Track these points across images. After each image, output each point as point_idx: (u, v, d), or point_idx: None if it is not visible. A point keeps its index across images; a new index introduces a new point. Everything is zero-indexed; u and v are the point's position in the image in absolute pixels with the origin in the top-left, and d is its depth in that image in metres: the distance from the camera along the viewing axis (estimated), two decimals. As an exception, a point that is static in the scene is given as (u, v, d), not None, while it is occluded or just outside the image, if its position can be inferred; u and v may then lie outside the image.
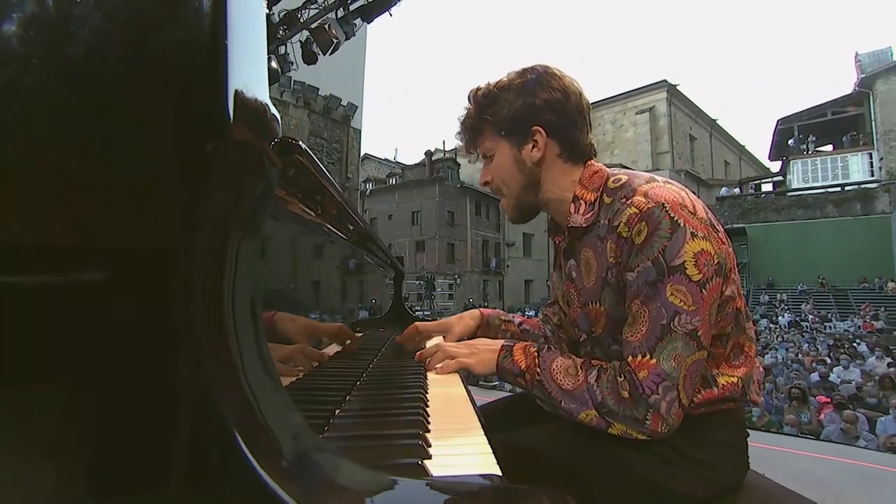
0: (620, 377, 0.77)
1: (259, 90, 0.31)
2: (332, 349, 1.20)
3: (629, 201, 0.80)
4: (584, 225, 0.88)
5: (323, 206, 0.80)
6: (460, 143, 1.01)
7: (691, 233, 0.76)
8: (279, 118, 0.35)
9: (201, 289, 0.27)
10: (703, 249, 0.76)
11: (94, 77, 0.27)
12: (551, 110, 0.89)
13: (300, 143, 0.40)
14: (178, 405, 0.26)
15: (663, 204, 0.77)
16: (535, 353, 0.88)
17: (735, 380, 0.83)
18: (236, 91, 0.28)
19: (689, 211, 0.78)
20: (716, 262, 0.77)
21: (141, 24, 0.27)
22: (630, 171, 0.90)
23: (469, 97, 0.96)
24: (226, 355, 0.28)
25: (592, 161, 0.94)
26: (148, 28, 0.27)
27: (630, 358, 0.77)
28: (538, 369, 0.85)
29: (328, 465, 0.32)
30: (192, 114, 0.27)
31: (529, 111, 0.89)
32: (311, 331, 0.94)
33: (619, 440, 0.80)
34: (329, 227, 0.91)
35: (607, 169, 0.92)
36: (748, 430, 0.91)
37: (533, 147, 0.90)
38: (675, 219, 0.76)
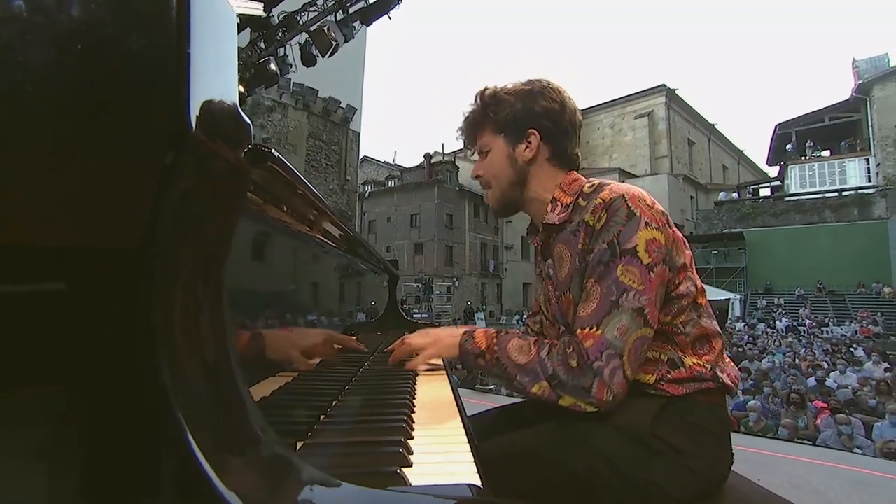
0: (569, 349, 0.83)
1: (226, 98, 0.31)
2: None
3: (599, 196, 0.89)
4: (557, 222, 0.97)
5: (301, 211, 0.80)
6: (462, 137, 1.09)
7: (645, 222, 0.84)
8: (251, 125, 0.35)
9: (161, 293, 0.26)
10: (654, 238, 0.84)
11: (54, 82, 0.27)
12: (548, 117, 0.98)
13: (272, 150, 0.40)
14: (132, 411, 0.26)
15: (623, 195, 0.86)
16: (494, 335, 0.94)
17: (702, 362, 0.88)
18: (200, 99, 0.28)
19: (647, 204, 0.87)
20: (665, 251, 0.85)
21: (102, 32, 0.27)
22: (603, 179, 0.99)
23: (476, 95, 1.03)
24: (186, 360, 0.27)
25: (574, 171, 1.02)
26: (109, 35, 0.27)
27: (579, 330, 0.83)
28: (496, 348, 0.91)
29: (291, 475, 0.32)
30: (153, 121, 0.27)
31: (528, 115, 0.98)
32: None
33: (598, 434, 0.83)
34: (307, 232, 0.91)
35: (585, 179, 1.01)
36: (736, 430, 0.93)
37: (526, 147, 0.99)
38: (632, 208, 0.85)
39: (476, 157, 1.09)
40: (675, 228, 0.90)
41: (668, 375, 0.86)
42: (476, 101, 1.03)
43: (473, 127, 1.05)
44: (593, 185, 0.95)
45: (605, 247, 0.84)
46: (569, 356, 0.82)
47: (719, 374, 0.88)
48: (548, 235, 1.02)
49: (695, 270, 0.93)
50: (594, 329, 0.81)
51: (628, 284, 0.81)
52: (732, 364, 0.94)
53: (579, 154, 1.03)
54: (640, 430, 0.83)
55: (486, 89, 1.02)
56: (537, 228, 1.05)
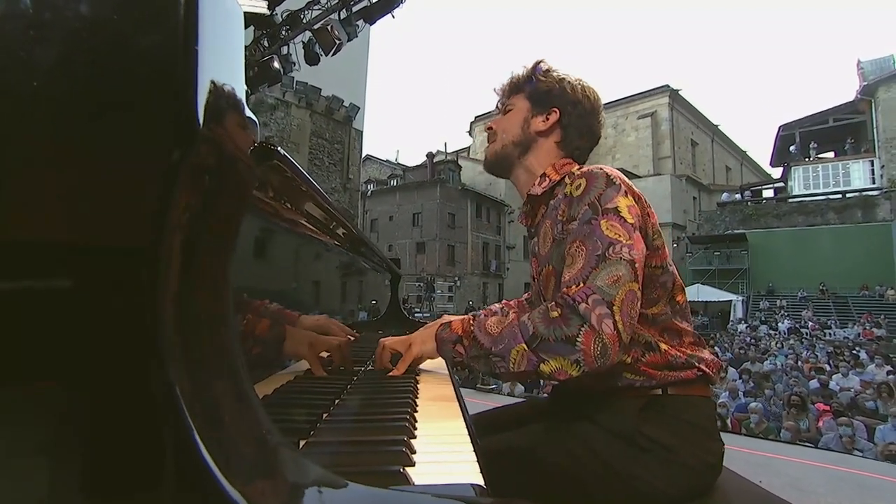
0: (551, 304, 0.78)
1: (234, 95, 0.31)
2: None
3: (580, 171, 0.92)
4: (539, 193, 1.01)
5: (306, 209, 0.80)
6: (504, 88, 1.11)
7: (624, 191, 0.86)
8: (258, 123, 0.35)
9: (167, 291, 0.26)
10: (633, 205, 0.85)
11: (61, 80, 0.27)
12: (576, 109, 1.03)
13: (279, 147, 0.40)
14: (139, 408, 0.26)
15: (601, 168, 0.89)
16: (471, 318, 0.92)
17: (674, 352, 0.88)
18: (208, 96, 0.28)
19: (623, 181, 0.88)
20: (641, 221, 0.86)
21: (110, 29, 0.27)
22: None
23: (535, 63, 1.07)
24: (192, 358, 0.27)
25: (572, 160, 1.06)
26: (116, 32, 0.27)
27: (565, 289, 0.78)
28: (472, 328, 0.87)
29: (296, 474, 0.32)
30: (160, 118, 0.27)
31: (560, 96, 1.03)
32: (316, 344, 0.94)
33: (589, 433, 0.84)
34: (312, 230, 0.91)
35: (577, 164, 1.04)
36: (738, 432, 0.94)
37: (543, 120, 1.03)
38: (612, 177, 0.87)
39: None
40: (653, 214, 0.92)
41: (644, 358, 0.86)
42: (530, 67, 1.07)
43: (514, 86, 1.08)
44: (581, 168, 0.98)
45: (587, 208, 0.84)
46: (550, 309, 0.76)
47: (696, 363, 0.88)
48: (533, 209, 1.06)
49: (672, 263, 0.94)
50: (580, 284, 0.76)
51: (614, 238, 0.79)
52: (711, 354, 0.94)
53: (582, 153, 1.07)
54: (627, 430, 0.84)
55: (542, 61, 1.07)
56: (524, 204, 1.09)
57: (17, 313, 0.26)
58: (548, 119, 1.03)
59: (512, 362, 0.77)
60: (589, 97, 1.04)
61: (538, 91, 1.04)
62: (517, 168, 1.07)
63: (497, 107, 1.13)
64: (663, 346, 0.88)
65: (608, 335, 0.72)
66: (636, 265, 0.78)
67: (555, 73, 1.05)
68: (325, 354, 0.96)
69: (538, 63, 1.07)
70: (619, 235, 0.79)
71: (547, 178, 1.01)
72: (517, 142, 1.05)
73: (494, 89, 1.12)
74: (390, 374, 1.00)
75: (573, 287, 0.77)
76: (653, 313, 0.89)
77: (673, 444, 0.83)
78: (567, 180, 0.96)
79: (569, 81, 1.04)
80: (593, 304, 0.73)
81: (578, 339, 0.71)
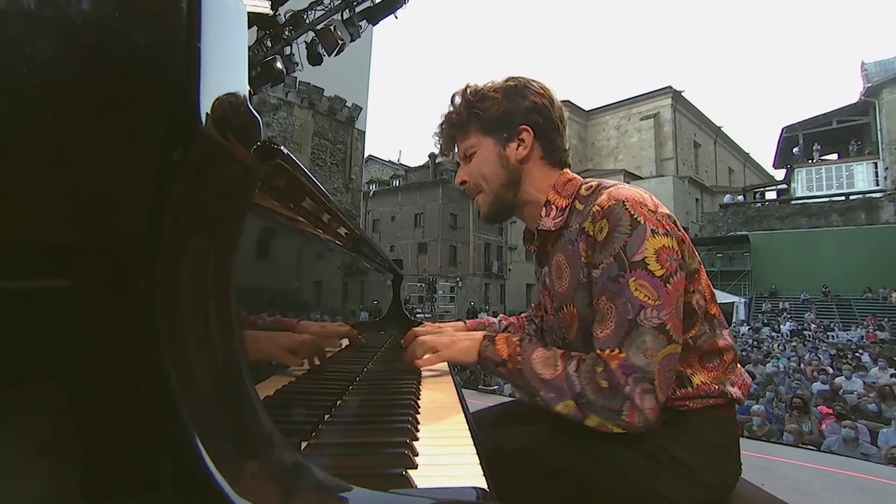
0: (599, 367, 0.77)
1: (236, 94, 0.31)
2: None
3: (596, 202, 0.82)
4: (553, 229, 0.91)
5: (309, 209, 0.79)
6: (439, 141, 1.01)
7: (651, 230, 0.77)
8: (261, 122, 0.35)
9: (167, 292, 0.26)
10: (664, 245, 0.77)
11: (61, 76, 0.26)
12: (538, 113, 0.92)
13: (282, 146, 0.39)
14: (138, 410, 0.26)
15: (623, 202, 0.79)
16: (517, 343, 0.88)
17: (709, 379, 0.84)
18: (210, 95, 0.27)
19: (650, 209, 0.80)
20: (679, 257, 0.78)
21: (111, 26, 0.27)
22: (601, 179, 0.93)
23: (457, 95, 0.96)
24: (192, 360, 0.27)
25: (567, 170, 0.96)
26: (118, 30, 0.27)
27: (600, 351, 0.78)
28: (519, 358, 0.85)
29: (298, 477, 0.31)
30: (162, 117, 0.27)
31: (518, 111, 0.92)
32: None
33: (606, 441, 0.80)
34: (315, 230, 0.91)
35: (581, 178, 0.95)
36: (740, 435, 0.92)
37: (518, 145, 0.93)
38: (635, 216, 0.78)
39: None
40: (683, 231, 0.84)
41: (676, 394, 0.82)
42: (458, 101, 0.95)
43: (455, 129, 0.96)
44: (591, 186, 0.89)
45: (612, 260, 0.77)
46: (598, 375, 0.76)
47: (729, 388, 0.84)
48: (544, 242, 0.96)
49: (704, 274, 0.87)
50: (617, 351, 0.76)
51: (644, 301, 0.75)
52: (743, 372, 0.90)
53: (568, 151, 0.98)
54: (648, 444, 0.81)
55: (467, 87, 0.94)
56: (532, 234, 1.00)
57: (10, 313, 0.26)
58: (522, 141, 0.92)
59: (557, 411, 0.79)
60: (535, 90, 0.92)
61: (491, 119, 0.92)
62: (518, 207, 0.97)
63: (451, 158, 1.02)
64: (697, 380, 0.83)
65: (649, 409, 0.74)
66: (668, 327, 0.75)
67: (488, 91, 0.92)
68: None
69: (464, 91, 0.94)
70: (648, 297, 0.75)
71: (554, 208, 0.91)
72: (506, 183, 0.94)
73: (434, 135, 1.01)
74: (415, 361, 1.00)
75: (609, 353, 0.77)
76: (692, 336, 0.83)
77: (692, 462, 0.80)
78: (578, 205, 0.88)
79: (508, 88, 0.92)
80: (634, 382, 0.74)
81: (623, 413, 0.74)
